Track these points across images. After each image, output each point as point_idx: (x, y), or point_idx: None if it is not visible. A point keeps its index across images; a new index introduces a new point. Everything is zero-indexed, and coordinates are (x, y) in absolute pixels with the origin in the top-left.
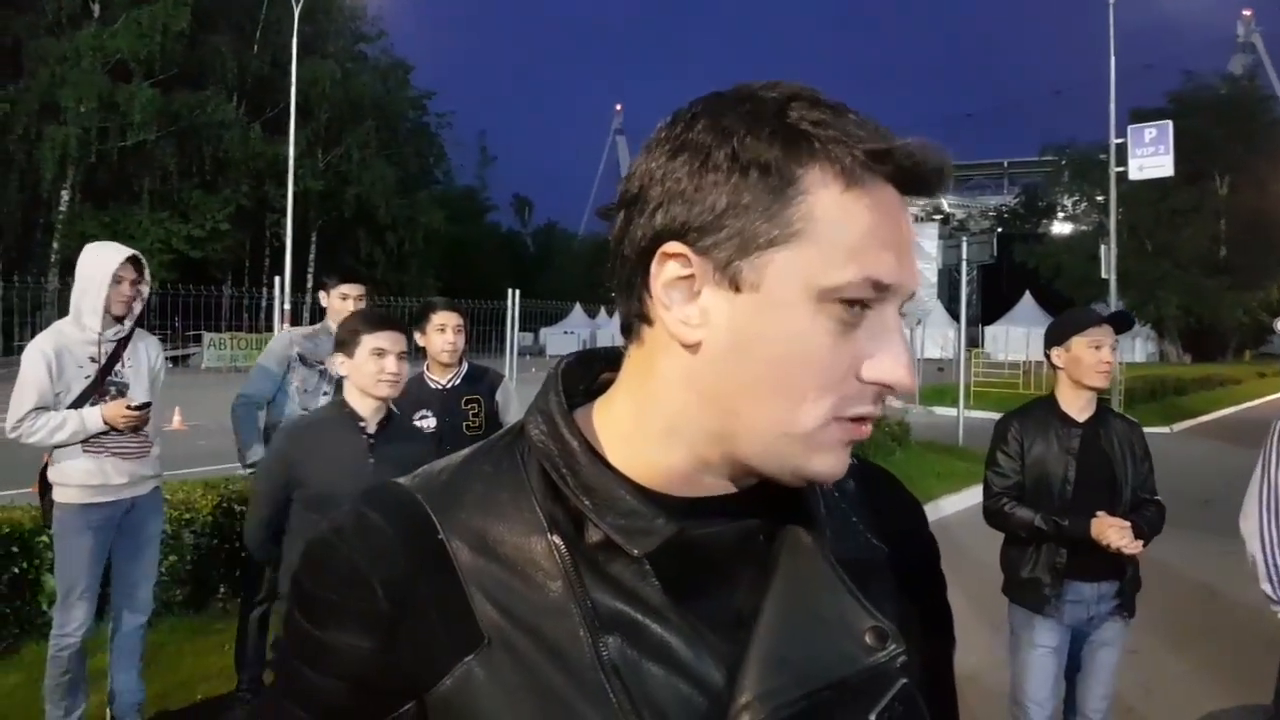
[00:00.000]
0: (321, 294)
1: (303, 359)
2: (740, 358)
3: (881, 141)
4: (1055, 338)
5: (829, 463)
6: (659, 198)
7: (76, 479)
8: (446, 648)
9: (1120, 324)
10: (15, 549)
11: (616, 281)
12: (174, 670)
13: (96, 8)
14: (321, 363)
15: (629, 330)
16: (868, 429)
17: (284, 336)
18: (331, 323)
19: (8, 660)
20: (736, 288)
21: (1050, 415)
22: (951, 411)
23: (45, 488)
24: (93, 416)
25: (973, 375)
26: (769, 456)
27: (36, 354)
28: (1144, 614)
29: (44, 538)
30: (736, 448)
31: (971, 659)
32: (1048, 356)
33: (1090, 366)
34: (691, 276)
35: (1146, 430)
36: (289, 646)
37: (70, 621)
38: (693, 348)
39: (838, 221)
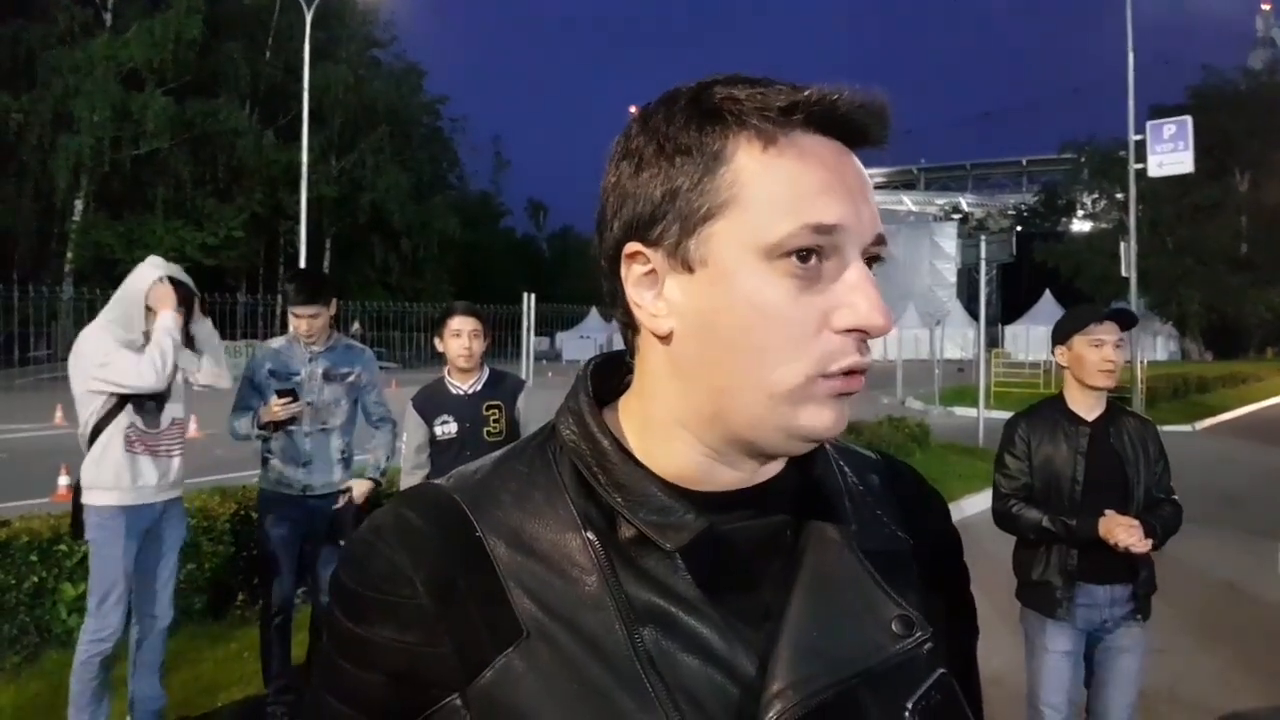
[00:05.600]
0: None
1: (274, 374)
2: (707, 334)
3: (793, 95)
4: (1058, 337)
5: (823, 418)
6: (613, 207)
7: (111, 480)
8: (487, 641)
9: (1124, 321)
10: (35, 558)
11: (606, 297)
12: (194, 677)
13: (109, 17)
14: (296, 374)
15: (627, 342)
16: (859, 381)
17: (256, 357)
18: (303, 339)
19: (29, 668)
20: (689, 269)
21: (1058, 415)
22: (972, 412)
23: (75, 499)
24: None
25: (993, 375)
26: (762, 425)
27: (109, 337)
28: (1169, 612)
29: (63, 546)
30: (733, 425)
31: (995, 660)
32: (1054, 355)
33: (1093, 365)
34: (654, 271)
35: (1169, 429)
36: (331, 645)
37: (105, 627)
38: (667, 338)
39: (765, 179)
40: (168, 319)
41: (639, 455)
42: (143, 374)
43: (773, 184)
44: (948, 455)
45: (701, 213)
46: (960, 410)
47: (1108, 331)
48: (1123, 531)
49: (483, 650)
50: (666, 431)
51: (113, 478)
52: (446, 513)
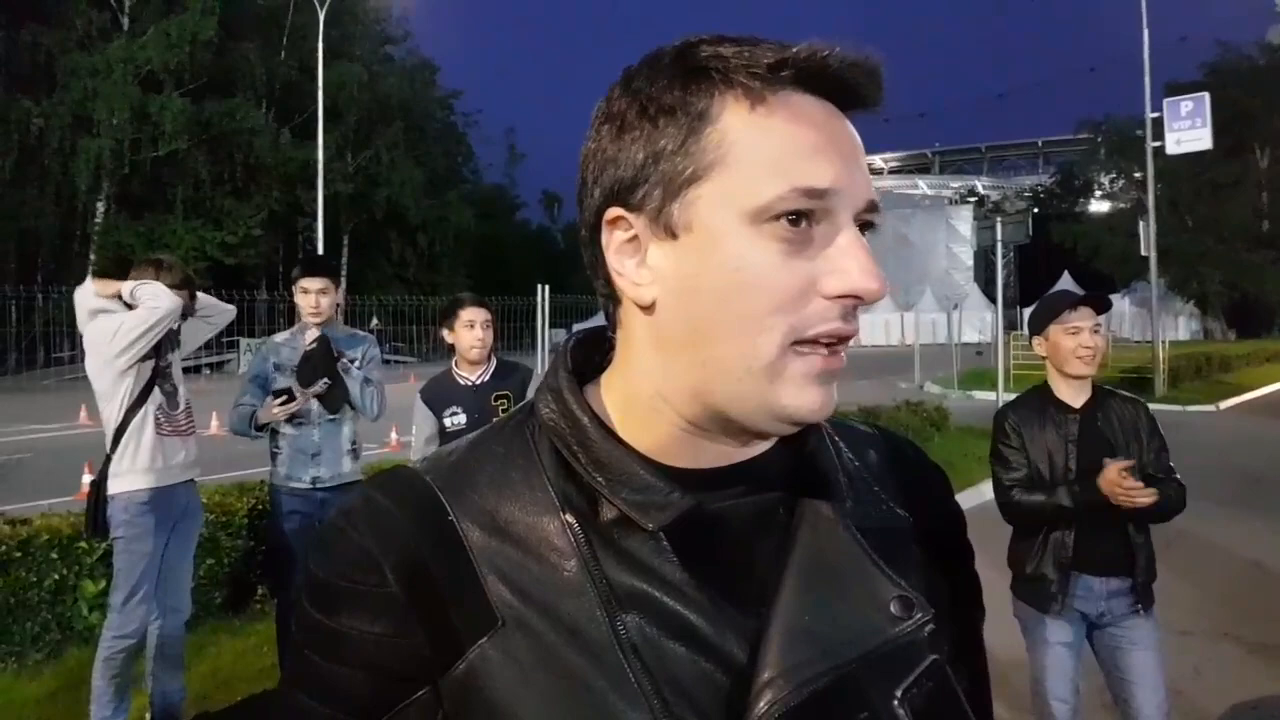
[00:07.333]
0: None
1: (279, 367)
2: (691, 302)
3: (782, 53)
4: (1035, 327)
5: (805, 398)
6: (594, 172)
7: (146, 463)
8: (460, 631)
9: (1099, 305)
10: (55, 555)
11: (587, 269)
12: (213, 671)
13: (126, 20)
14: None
15: (608, 315)
16: (841, 359)
17: (261, 351)
18: (308, 320)
19: (50, 665)
20: (673, 234)
21: (1046, 403)
22: (991, 395)
23: (97, 498)
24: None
25: (1012, 358)
26: (742, 402)
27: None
28: (1193, 593)
29: (83, 544)
30: (714, 400)
31: (1014, 642)
32: (1034, 347)
33: (1069, 353)
34: (636, 238)
35: (1192, 409)
36: (300, 637)
37: (130, 623)
38: (650, 308)
39: (752, 140)
40: (126, 285)
41: (621, 433)
42: (157, 298)
43: (761, 145)
44: (966, 439)
45: (685, 175)
46: (979, 394)
47: (1083, 317)
48: (1115, 472)
49: (456, 640)
50: (649, 406)
51: (148, 460)
52: (419, 496)
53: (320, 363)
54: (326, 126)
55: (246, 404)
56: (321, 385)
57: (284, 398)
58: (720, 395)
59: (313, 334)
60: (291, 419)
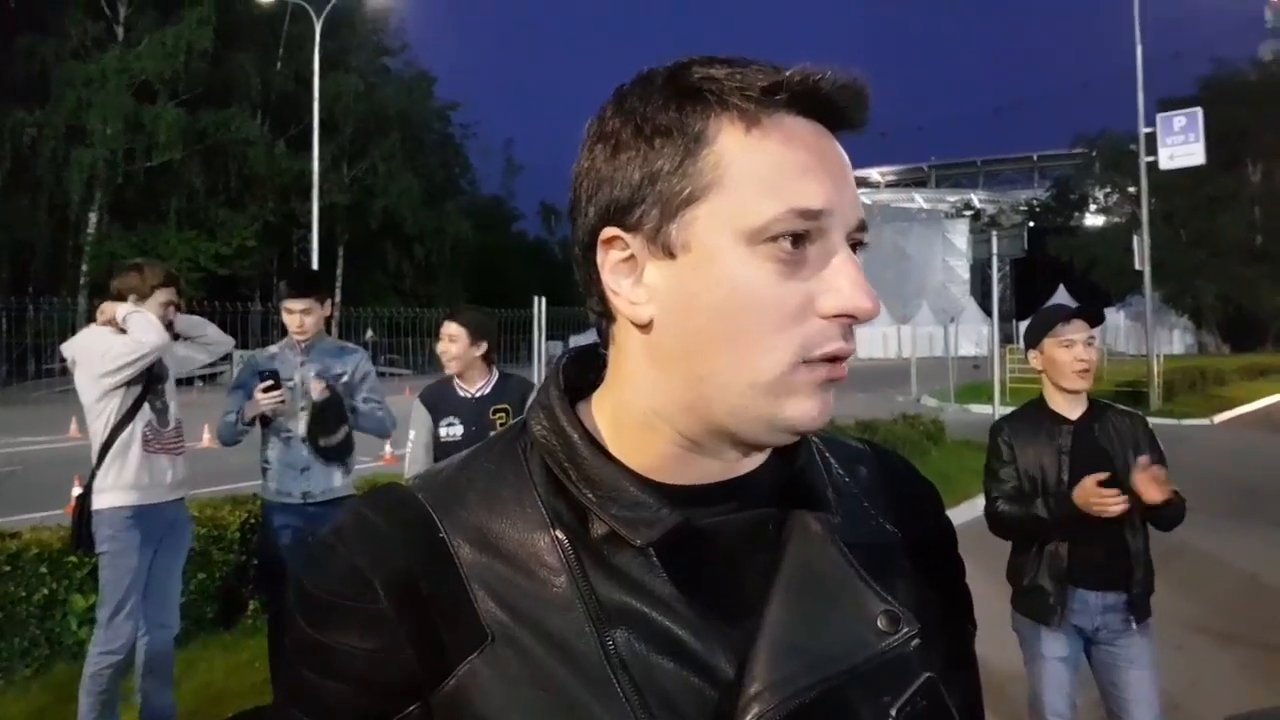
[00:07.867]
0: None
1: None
2: (689, 321)
3: (775, 76)
4: (1030, 341)
5: (805, 409)
6: (588, 191)
7: (132, 479)
8: (450, 647)
9: (1091, 318)
10: (45, 570)
11: (581, 287)
12: (204, 686)
13: (121, 30)
14: (290, 379)
15: (601, 333)
16: (843, 369)
17: (249, 362)
18: (295, 339)
19: (38, 681)
20: (671, 254)
21: (1041, 415)
22: (987, 409)
23: (81, 512)
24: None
25: (1008, 371)
26: (742, 415)
27: (102, 332)
28: (1188, 606)
29: (73, 558)
30: (712, 414)
31: (1011, 655)
32: (1029, 360)
33: (1066, 366)
34: (632, 257)
35: (1187, 422)
36: (291, 652)
37: (117, 639)
38: (646, 327)
39: (748, 162)
40: (122, 306)
41: (613, 449)
42: (146, 331)
43: (757, 167)
44: (963, 452)
45: (683, 196)
46: (976, 407)
47: (1076, 330)
48: (1092, 484)
49: (446, 656)
50: (642, 422)
51: (133, 477)
52: (409, 513)
53: (334, 415)
54: (322, 137)
55: (232, 412)
56: (343, 433)
57: (270, 382)
58: (719, 409)
59: (319, 386)
60: (277, 428)
